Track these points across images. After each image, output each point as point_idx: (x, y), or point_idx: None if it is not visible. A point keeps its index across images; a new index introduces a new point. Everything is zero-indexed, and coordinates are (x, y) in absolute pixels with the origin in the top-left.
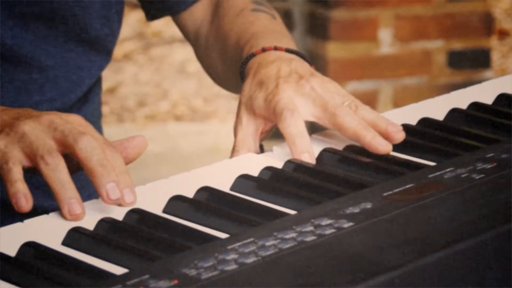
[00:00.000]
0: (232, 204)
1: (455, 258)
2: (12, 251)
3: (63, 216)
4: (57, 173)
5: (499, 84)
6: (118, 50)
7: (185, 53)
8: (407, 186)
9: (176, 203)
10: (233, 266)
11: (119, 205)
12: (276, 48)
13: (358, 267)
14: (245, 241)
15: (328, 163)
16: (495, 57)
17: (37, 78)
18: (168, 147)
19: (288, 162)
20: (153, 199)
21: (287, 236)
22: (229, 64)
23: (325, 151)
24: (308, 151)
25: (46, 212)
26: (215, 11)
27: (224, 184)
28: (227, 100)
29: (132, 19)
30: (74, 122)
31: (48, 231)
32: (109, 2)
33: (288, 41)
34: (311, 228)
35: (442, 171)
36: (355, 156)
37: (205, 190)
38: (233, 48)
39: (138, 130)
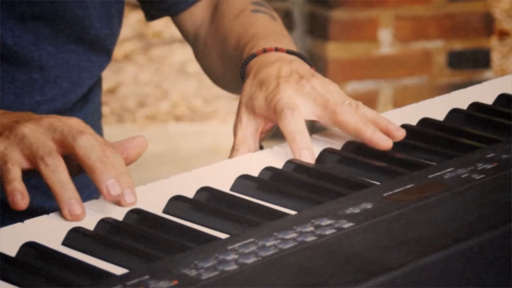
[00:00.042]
0: (232, 204)
1: (455, 258)
2: (12, 251)
3: (63, 216)
4: (57, 174)
5: (499, 84)
6: (118, 51)
7: (185, 53)
8: (407, 187)
9: (176, 203)
10: (233, 267)
11: (120, 205)
12: (277, 49)
13: (358, 267)
14: (245, 242)
15: (328, 163)
16: (495, 57)
17: (38, 78)
18: (168, 147)
19: (288, 162)
20: (153, 199)
21: (287, 237)
22: (228, 65)
23: (325, 151)
24: (308, 148)
25: (47, 212)
26: (215, 12)
27: (224, 184)
28: (227, 101)
29: (132, 20)
30: (74, 124)
31: (48, 231)
32: (110, 2)
33: (288, 42)
34: (311, 228)
35: (443, 172)
36: (356, 156)
37: (205, 191)
38: (233, 49)
39: (138, 130)
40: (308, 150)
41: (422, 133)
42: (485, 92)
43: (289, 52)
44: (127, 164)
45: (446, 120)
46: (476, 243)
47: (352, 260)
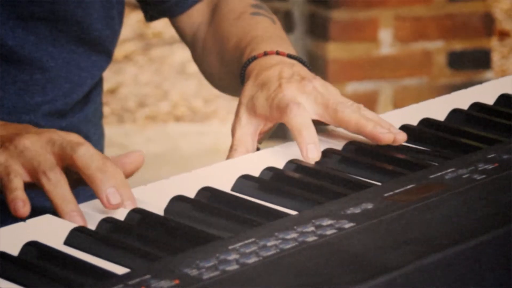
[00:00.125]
0: (233, 204)
1: (456, 259)
2: (14, 251)
3: None
4: (59, 189)
5: (500, 85)
6: (119, 51)
7: (185, 54)
8: (408, 187)
9: (178, 203)
10: (234, 266)
11: None
12: (278, 53)
13: (359, 268)
14: (246, 241)
15: (329, 163)
16: (495, 57)
17: (39, 79)
18: (168, 147)
19: (289, 162)
20: (154, 200)
21: (288, 237)
22: (227, 67)
23: (326, 151)
24: (315, 142)
25: (48, 212)
26: (214, 14)
27: (225, 184)
28: (227, 101)
29: (133, 20)
30: (73, 138)
31: (50, 230)
32: (110, 2)
33: (288, 46)
34: (312, 228)
35: (443, 172)
36: (356, 156)
37: (207, 191)
38: (232, 51)
39: (139, 130)
40: (315, 144)
41: (423, 133)
42: (486, 92)
43: (290, 56)
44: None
45: (447, 120)
46: (477, 243)
47: (353, 260)
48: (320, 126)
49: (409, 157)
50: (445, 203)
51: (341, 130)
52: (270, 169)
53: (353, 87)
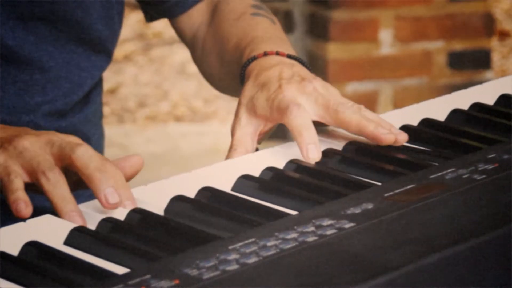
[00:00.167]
0: (233, 204)
1: (456, 259)
2: (14, 251)
3: None
4: (58, 189)
5: (500, 85)
6: (119, 51)
7: (185, 54)
8: (409, 187)
9: (178, 203)
10: (234, 266)
11: None
12: (277, 53)
13: (359, 268)
14: (247, 241)
15: (329, 163)
16: (496, 58)
17: (39, 79)
18: (168, 147)
19: (289, 162)
20: (154, 200)
21: (289, 237)
22: (227, 67)
23: (326, 151)
24: (315, 142)
25: (48, 212)
26: (214, 15)
27: (225, 184)
28: (227, 101)
29: (133, 20)
30: (72, 139)
31: (50, 230)
32: (110, 2)
33: (288, 47)
34: (312, 228)
35: (444, 172)
36: (356, 156)
37: (207, 191)
38: (232, 51)
39: (139, 130)
40: (315, 145)
41: (423, 133)
42: (486, 92)
43: (290, 57)
44: None
45: (447, 120)
46: (477, 243)
47: (353, 260)
48: (320, 127)
49: (409, 157)
50: (445, 203)
51: (341, 130)
52: (270, 169)
53: (353, 87)
